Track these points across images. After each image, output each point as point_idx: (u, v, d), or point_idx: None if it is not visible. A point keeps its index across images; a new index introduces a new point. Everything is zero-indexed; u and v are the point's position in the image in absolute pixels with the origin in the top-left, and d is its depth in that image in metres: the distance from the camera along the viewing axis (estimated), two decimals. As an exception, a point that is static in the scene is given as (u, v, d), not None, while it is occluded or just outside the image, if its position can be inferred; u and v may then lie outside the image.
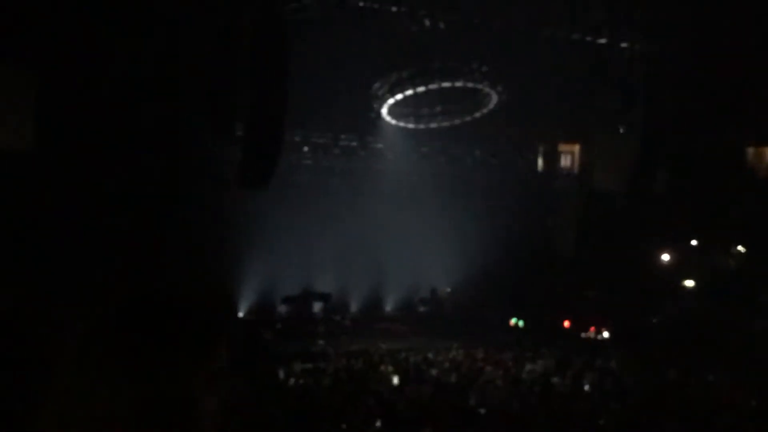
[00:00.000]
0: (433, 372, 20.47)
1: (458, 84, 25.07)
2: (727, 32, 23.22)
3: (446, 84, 24.89)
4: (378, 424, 14.49)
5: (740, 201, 28.26)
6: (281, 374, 19.20)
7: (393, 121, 26.96)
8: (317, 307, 27.91)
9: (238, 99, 21.94)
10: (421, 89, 24.83)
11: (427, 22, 22.67)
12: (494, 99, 26.41)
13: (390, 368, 20.84)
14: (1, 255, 18.89)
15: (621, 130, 28.91)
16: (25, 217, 20.62)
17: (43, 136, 20.74)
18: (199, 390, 1.69)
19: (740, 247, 29.20)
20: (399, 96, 25.20)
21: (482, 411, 16.07)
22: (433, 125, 27.45)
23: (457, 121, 27.39)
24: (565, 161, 31.67)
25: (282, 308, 27.37)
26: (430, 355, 22.65)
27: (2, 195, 20.29)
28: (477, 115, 27.16)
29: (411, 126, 27.38)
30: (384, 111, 26.18)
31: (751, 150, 29.18)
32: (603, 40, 24.89)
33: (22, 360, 2.11)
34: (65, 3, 18.82)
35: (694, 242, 29.75)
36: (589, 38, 24.69)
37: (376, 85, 25.33)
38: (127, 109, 20.89)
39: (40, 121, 20.86)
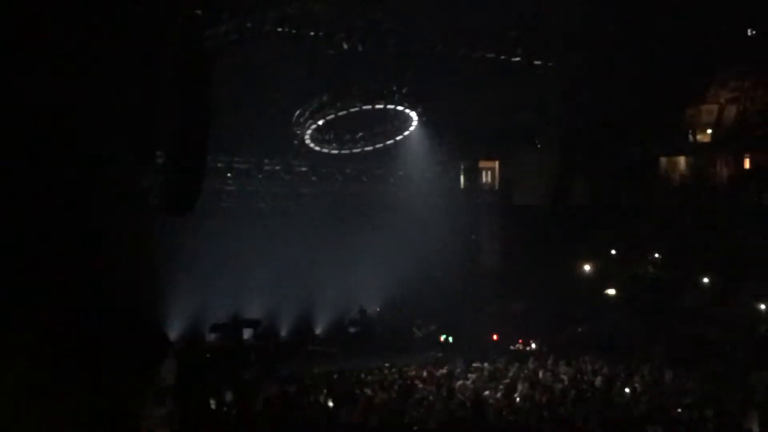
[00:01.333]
0: (367, 392, 20.49)
1: (379, 106, 25.32)
2: (637, 46, 24.01)
3: (367, 107, 25.12)
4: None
5: (656, 209, 29.14)
6: (212, 402, 18.98)
7: (316, 148, 27.09)
8: (247, 333, 27.65)
9: (158, 126, 21.76)
10: (342, 113, 25.01)
11: (345, 45, 22.85)
12: (415, 120, 26.73)
13: (323, 391, 20.78)
14: None
15: (538, 145, 29.57)
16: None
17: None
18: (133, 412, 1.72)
19: (657, 254, 30.03)
20: (321, 121, 25.34)
21: (415, 429, 16.18)
22: (356, 150, 27.67)
23: (379, 145, 27.67)
24: (486, 177, 32.23)
25: (211, 336, 27.05)
26: (362, 376, 22.66)
27: None
28: (398, 137, 27.48)
29: (335, 152, 27.54)
30: (307, 137, 26.29)
31: (664, 160, 30.17)
32: (517, 58, 25.42)
33: None
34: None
35: (613, 252, 30.48)
36: (503, 57, 25.19)
37: (297, 112, 25.44)
38: (46, 138, 20.49)
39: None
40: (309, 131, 25.97)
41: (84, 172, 21.73)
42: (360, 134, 27.22)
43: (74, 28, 18.81)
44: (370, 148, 27.75)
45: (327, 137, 27.11)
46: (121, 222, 23.08)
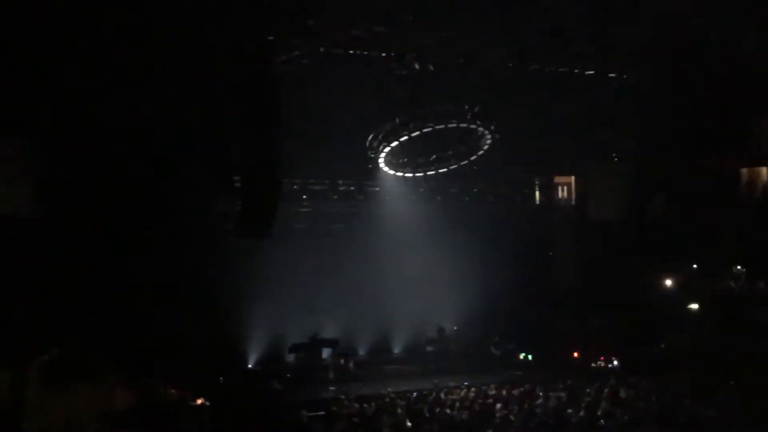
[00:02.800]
0: (446, 411, 20.41)
1: (451, 125, 25.36)
2: (713, 56, 23.53)
3: (440, 126, 25.17)
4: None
5: (738, 222, 28.39)
6: (297, 422, 19.18)
7: (390, 172, 27.27)
8: (325, 353, 27.85)
9: (234, 150, 22.17)
10: (415, 134, 25.11)
11: (416, 66, 22.95)
12: (488, 138, 26.67)
13: (402, 411, 20.77)
14: (8, 319, 18.96)
15: (615, 160, 29.14)
16: (28, 283, 20.70)
17: (42, 201, 20.93)
18: None
19: (740, 268, 29.28)
20: (394, 143, 25.51)
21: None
22: (430, 173, 27.77)
23: (453, 166, 27.71)
24: (562, 193, 31.88)
25: (290, 357, 27.32)
26: (441, 395, 22.57)
27: (5, 261, 20.40)
28: (472, 158, 27.47)
29: (409, 175, 27.70)
30: (381, 161, 26.50)
31: (745, 171, 29.39)
32: (590, 72, 25.17)
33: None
34: (57, 66, 19.07)
35: (694, 266, 29.84)
36: (576, 70, 24.97)
37: (371, 136, 25.65)
38: (126, 168, 21.08)
39: (39, 186, 21.07)
40: (383, 155, 26.15)
41: (163, 199, 22.30)
42: (434, 156, 27.30)
43: (152, 57, 19.36)
44: (444, 170, 27.81)
45: (401, 161, 27.25)
46: (199, 248, 23.61)
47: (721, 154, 27.60)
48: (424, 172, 27.87)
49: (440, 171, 27.76)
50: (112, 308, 20.76)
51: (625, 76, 25.65)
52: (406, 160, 27.34)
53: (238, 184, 23.07)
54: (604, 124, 27.57)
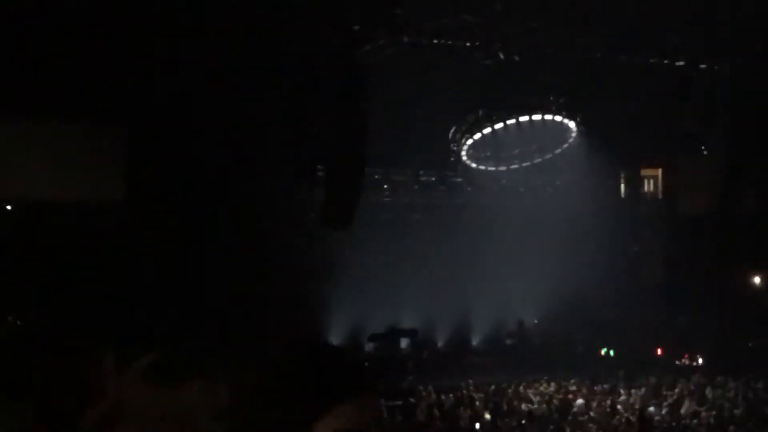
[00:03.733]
0: (524, 406, 20.28)
1: (536, 117, 25.09)
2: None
3: (524, 118, 24.92)
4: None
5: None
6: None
7: (473, 165, 27.15)
8: (404, 343, 27.89)
9: (319, 141, 22.36)
10: (498, 125, 24.93)
11: (501, 56, 22.76)
12: (573, 131, 26.30)
13: (480, 403, 20.73)
14: (97, 304, 19.47)
15: (704, 153, 28.43)
16: (117, 268, 21.25)
17: (131, 188, 21.48)
18: None
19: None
20: (477, 135, 25.37)
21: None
22: (514, 166, 27.55)
23: (537, 160, 27.45)
24: (648, 186, 31.27)
25: (369, 346, 27.42)
26: (520, 389, 22.42)
27: (95, 247, 20.98)
28: (556, 151, 27.15)
29: (491, 168, 27.54)
30: (464, 154, 26.38)
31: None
32: (681, 63, 24.59)
33: None
34: (146, 58, 19.49)
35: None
36: (666, 61, 24.42)
37: (453, 128, 25.55)
38: (212, 157, 21.45)
39: (128, 174, 21.61)
40: (465, 147, 26.03)
41: (247, 187, 22.63)
42: (517, 150, 27.05)
43: (240, 49, 19.64)
44: (528, 163, 27.57)
45: (484, 154, 27.09)
46: (283, 236, 23.90)
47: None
48: (508, 165, 27.66)
49: (523, 165, 27.53)
50: (199, 302, 21.20)
51: (716, 68, 24.99)
52: (489, 153, 27.15)
53: (321, 173, 23.27)
54: (694, 116, 26.91)
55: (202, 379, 2.20)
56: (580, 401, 19.59)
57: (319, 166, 23.38)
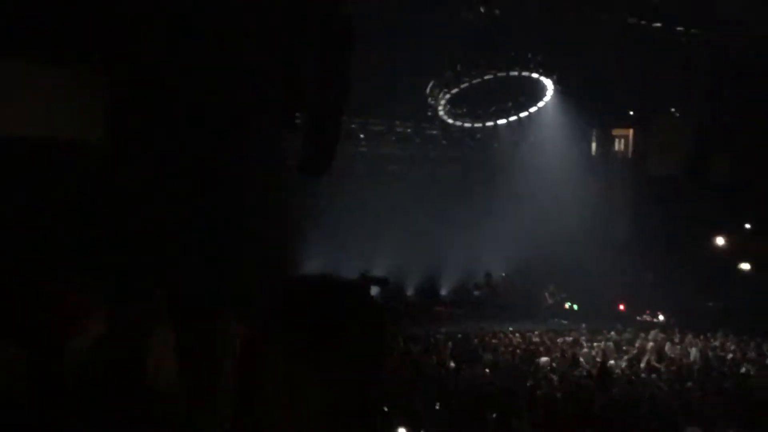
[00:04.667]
0: (489, 356, 20.78)
1: (514, 74, 25.29)
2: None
3: (501, 74, 25.11)
4: (437, 406, 14.87)
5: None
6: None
7: (450, 120, 27.32)
8: (374, 291, 28.24)
9: (300, 89, 22.39)
10: (476, 81, 25.10)
11: (482, 9, 22.86)
12: (550, 89, 26.55)
13: (447, 351, 21.20)
14: (73, 247, 19.54)
15: (677, 115, 28.83)
16: (98, 209, 21.29)
17: (112, 129, 21.45)
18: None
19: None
20: (455, 90, 25.53)
21: (538, 393, 16.37)
22: (490, 123, 27.77)
23: (512, 117, 27.68)
24: (619, 146, 31.69)
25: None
26: (486, 339, 22.95)
27: (76, 187, 20.99)
28: (533, 110, 27.38)
29: (468, 125, 27.75)
30: (441, 109, 26.54)
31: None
32: (658, 24, 24.84)
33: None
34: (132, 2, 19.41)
35: (748, 226, 29.62)
36: (644, 23, 24.66)
37: (432, 83, 25.67)
38: (192, 101, 21.44)
39: (110, 114, 21.57)
40: (443, 102, 26.19)
41: (227, 132, 22.68)
42: (493, 107, 27.26)
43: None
44: (503, 121, 27.80)
45: (460, 110, 27.26)
46: (260, 180, 24.02)
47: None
48: (484, 122, 27.89)
49: (499, 122, 27.80)
50: (174, 245, 21.30)
51: (692, 31, 25.26)
52: (465, 109, 27.34)
53: (299, 120, 23.35)
54: (668, 78, 27.22)
55: (213, 318, 2.17)
56: (544, 359, 19.96)
57: (297, 114, 23.45)
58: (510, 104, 27.48)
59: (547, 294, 29.08)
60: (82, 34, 19.40)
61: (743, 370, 19.21)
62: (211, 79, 21.21)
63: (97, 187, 20.93)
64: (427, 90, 26.02)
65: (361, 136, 27.82)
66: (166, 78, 20.95)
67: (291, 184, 24.24)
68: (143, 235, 20.77)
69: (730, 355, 20.81)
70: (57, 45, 19.51)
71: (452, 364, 19.99)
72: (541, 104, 27.33)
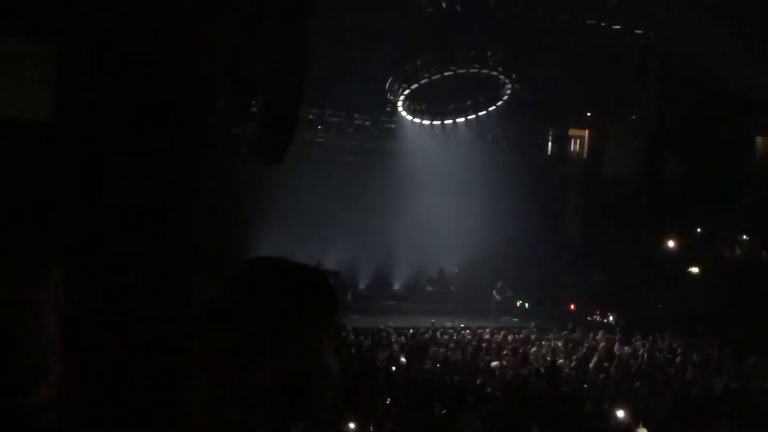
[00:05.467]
0: (440, 351, 20.75)
1: (473, 70, 25.27)
2: (738, 23, 23.31)
3: (461, 71, 25.08)
4: (387, 401, 14.78)
5: (747, 190, 28.44)
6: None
7: (409, 117, 27.26)
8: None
9: (255, 75, 22.13)
10: (436, 77, 25.03)
11: (444, 4, 22.81)
12: (508, 88, 26.58)
13: (398, 346, 21.12)
14: (17, 227, 19.08)
15: (632, 117, 29.08)
16: (44, 189, 20.84)
17: (61, 108, 20.99)
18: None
19: (745, 236, 29.41)
20: (414, 86, 25.46)
21: (489, 390, 16.37)
22: (448, 121, 27.75)
23: (471, 116, 27.68)
24: (574, 146, 31.87)
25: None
26: (437, 335, 22.91)
27: (21, 165, 20.52)
28: (491, 108, 27.41)
29: (426, 122, 27.72)
30: (399, 105, 26.46)
31: (760, 140, 29.37)
32: (617, 27, 25.02)
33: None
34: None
35: (699, 230, 29.99)
36: (603, 24, 24.82)
37: (390, 79, 25.55)
38: (145, 84, 21.08)
39: (59, 93, 21.10)
40: (402, 98, 26.10)
41: (180, 118, 22.34)
42: (452, 105, 27.22)
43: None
44: (461, 119, 27.79)
45: (419, 107, 27.18)
46: (212, 167, 23.72)
47: (738, 120, 27.51)
48: (442, 120, 27.86)
49: (457, 120, 27.80)
50: (122, 229, 20.92)
51: (651, 34, 25.48)
52: (424, 107, 27.28)
53: (255, 108, 23.09)
54: (625, 80, 27.45)
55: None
56: (495, 363, 19.90)
57: (253, 101, 23.18)
58: (468, 102, 27.45)
59: (495, 291, 29.16)
60: (30, 7, 18.95)
61: (689, 371, 19.39)
62: (163, 64, 20.87)
63: (41, 166, 20.47)
64: (387, 85, 25.89)
65: (319, 126, 27.58)
66: (118, 61, 20.57)
67: (243, 171, 23.97)
68: (86, 218, 20.37)
69: (678, 358, 21.00)
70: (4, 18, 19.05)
71: (402, 359, 19.91)
72: (499, 103, 27.34)
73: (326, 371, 1.74)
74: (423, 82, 25.46)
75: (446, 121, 27.96)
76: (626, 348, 21.77)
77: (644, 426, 14.20)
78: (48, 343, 2.30)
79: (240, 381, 1.63)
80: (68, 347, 2.27)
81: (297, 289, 1.76)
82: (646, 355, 20.97)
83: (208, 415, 1.62)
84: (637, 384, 17.27)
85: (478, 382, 17.11)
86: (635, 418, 14.44)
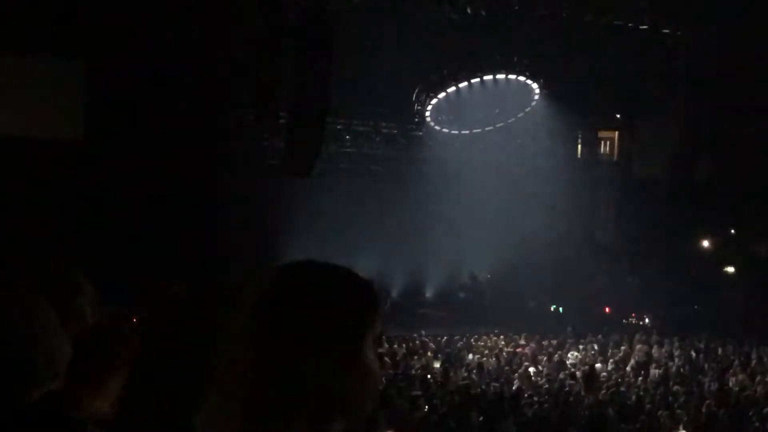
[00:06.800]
0: (474, 358, 20.68)
1: (500, 77, 25.16)
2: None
3: (488, 77, 24.99)
4: (425, 409, 14.71)
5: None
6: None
7: (437, 128, 27.20)
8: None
9: (282, 88, 22.22)
10: (462, 84, 24.96)
11: (469, 10, 22.75)
12: (536, 93, 26.43)
13: (431, 354, 21.08)
14: (52, 241, 19.33)
15: (662, 117, 28.81)
16: (76, 206, 21.08)
17: (92, 126, 21.24)
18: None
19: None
20: (442, 95, 25.39)
21: (525, 396, 16.26)
22: (477, 130, 27.65)
23: (499, 124, 27.56)
24: (605, 148, 31.63)
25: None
26: (471, 342, 22.82)
27: (54, 183, 20.78)
28: (519, 115, 27.28)
29: (455, 132, 27.64)
30: (427, 115, 26.43)
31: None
32: (644, 27, 24.83)
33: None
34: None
35: (733, 231, 29.68)
36: (630, 25, 24.64)
37: (417, 89, 25.51)
38: (175, 99, 21.25)
39: (90, 111, 21.35)
40: (429, 108, 26.05)
41: (208, 131, 22.51)
42: (480, 114, 27.12)
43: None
44: (490, 128, 27.67)
45: (446, 117, 27.11)
46: (243, 182, 23.86)
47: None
48: (470, 129, 27.78)
49: (486, 129, 27.71)
50: (154, 245, 21.12)
51: (679, 33, 25.25)
52: (451, 117, 27.21)
53: (283, 120, 23.16)
54: (654, 80, 27.21)
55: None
56: (531, 369, 19.75)
57: (281, 113, 23.25)
58: (497, 111, 27.33)
59: (528, 297, 28.99)
60: (57, 28, 19.21)
61: (728, 372, 19.16)
62: (191, 76, 21.04)
63: (73, 184, 20.71)
64: (413, 96, 25.85)
65: (347, 136, 27.58)
66: (146, 77, 20.77)
67: (273, 183, 24.08)
68: (116, 234, 20.56)
69: (716, 359, 20.76)
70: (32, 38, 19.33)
71: (437, 365, 19.87)
72: (527, 109, 27.22)
73: (368, 372, 1.71)
74: (449, 90, 25.38)
75: (475, 131, 27.85)
76: (663, 350, 21.55)
77: (684, 428, 14.06)
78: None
79: (282, 383, 1.63)
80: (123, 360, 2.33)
81: (339, 289, 1.75)
82: (683, 356, 20.75)
83: (249, 417, 1.62)
84: (675, 387, 17.08)
85: (515, 388, 17.01)
86: (675, 421, 14.32)
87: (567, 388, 16.93)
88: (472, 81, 25.15)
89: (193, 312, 2.13)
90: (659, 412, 14.82)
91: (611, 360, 20.57)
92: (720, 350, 21.84)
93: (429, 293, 30.49)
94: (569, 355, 20.98)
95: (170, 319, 2.15)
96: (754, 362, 20.13)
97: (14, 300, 2.47)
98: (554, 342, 22.82)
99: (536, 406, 15.26)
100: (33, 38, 19.38)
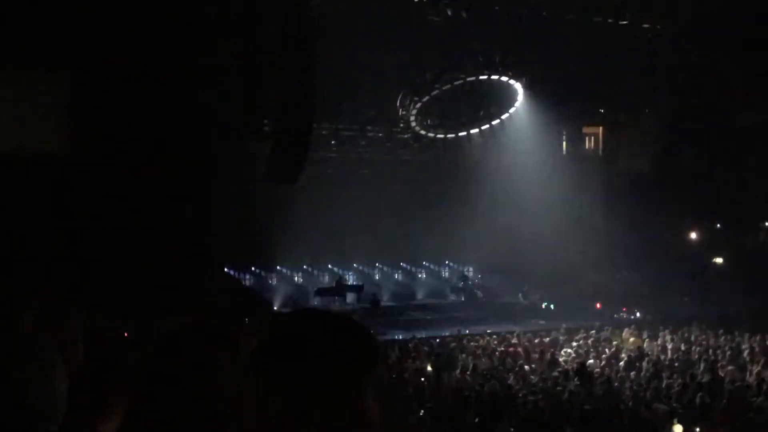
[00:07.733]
0: (468, 358, 20.66)
1: (483, 77, 25.21)
2: (750, 17, 23.20)
3: (471, 78, 25.04)
4: (420, 413, 14.70)
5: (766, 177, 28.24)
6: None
7: (422, 132, 27.22)
8: (350, 298, 28.10)
9: (266, 95, 22.21)
10: (446, 87, 25.00)
11: (449, 12, 22.82)
12: (519, 93, 26.49)
13: (424, 356, 21.05)
14: (37, 255, 19.26)
15: (645, 112, 28.94)
16: (62, 219, 20.99)
17: (77, 138, 21.17)
18: None
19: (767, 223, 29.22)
20: (426, 98, 25.42)
21: (520, 395, 16.26)
22: (462, 133, 27.70)
23: (484, 127, 27.61)
24: (589, 144, 31.75)
25: (316, 300, 27.57)
26: (464, 343, 22.82)
27: (39, 196, 20.71)
28: (503, 117, 27.34)
29: (440, 136, 27.68)
30: (412, 120, 26.45)
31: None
32: (624, 22, 24.95)
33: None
34: (97, 6, 19.19)
35: (718, 226, 29.85)
36: (611, 20, 24.76)
37: (402, 94, 25.53)
38: (159, 109, 21.22)
39: (74, 123, 21.29)
40: (414, 113, 26.07)
41: (195, 141, 22.47)
42: (464, 117, 27.17)
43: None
44: (475, 131, 27.72)
45: (431, 121, 27.13)
46: (229, 190, 23.84)
47: (753, 110, 27.34)
48: (455, 132, 27.82)
49: (471, 131, 27.77)
50: (141, 254, 21.06)
51: (659, 28, 25.39)
52: (436, 120, 27.24)
53: (268, 128, 23.15)
54: (636, 75, 27.33)
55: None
56: (525, 368, 19.75)
57: (265, 120, 23.25)
58: (481, 112, 27.38)
59: (521, 294, 29.03)
60: (47, 38, 19.17)
61: (719, 363, 19.21)
62: (177, 87, 21.00)
63: (63, 194, 20.63)
64: (398, 102, 25.89)
65: (332, 141, 27.58)
66: (132, 87, 20.73)
67: (261, 190, 24.08)
68: (106, 244, 20.49)
69: (708, 350, 20.82)
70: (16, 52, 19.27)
71: (430, 369, 19.84)
72: (512, 110, 27.30)
73: (368, 421, 1.71)
74: (434, 93, 25.42)
75: (460, 134, 27.90)
76: (655, 343, 21.62)
77: (679, 422, 14.09)
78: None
79: (284, 428, 1.64)
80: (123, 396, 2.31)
81: (338, 339, 1.74)
82: (674, 349, 20.82)
83: None
84: (668, 380, 17.14)
85: (509, 387, 17.02)
86: (669, 414, 14.35)
87: (560, 387, 16.94)
88: (456, 83, 25.18)
89: (188, 353, 2.13)
90: (653, 406, 14.86)
91: (603, 356, 20.61)
92: (711, 341, 21.92)
93: (420, 295, 30.49)
94: (562, 352, 20.99)
95: (167, 360, 2.15)
96: (746, 352, 20.21)
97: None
98: (546, 340, 22.85)
99: (530, 405, 15.27)
100: (20, 51, 19.33)
